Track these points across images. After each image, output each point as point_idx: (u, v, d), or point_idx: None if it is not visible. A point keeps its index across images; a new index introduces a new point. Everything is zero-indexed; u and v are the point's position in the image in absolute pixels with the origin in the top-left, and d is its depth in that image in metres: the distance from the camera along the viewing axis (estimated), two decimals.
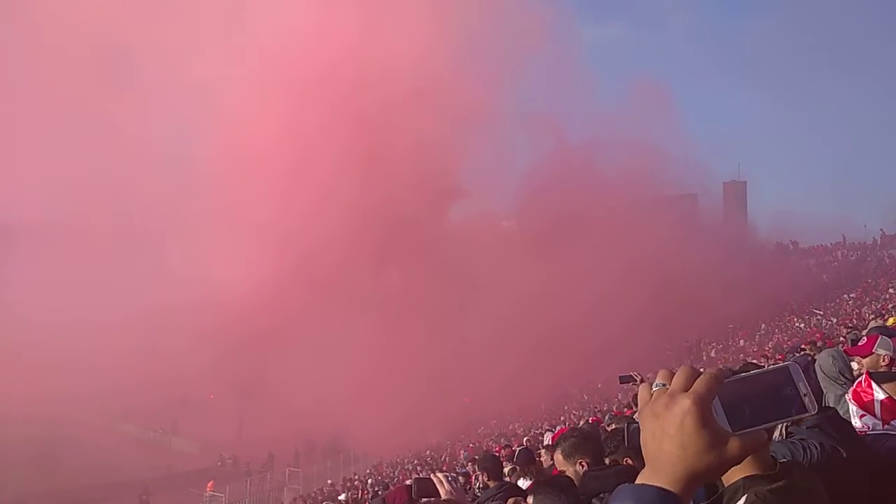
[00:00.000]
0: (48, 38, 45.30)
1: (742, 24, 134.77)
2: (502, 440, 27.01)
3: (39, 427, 37.16)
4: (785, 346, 25.26)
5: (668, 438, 1.02)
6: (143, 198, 45.19)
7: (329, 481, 29.38)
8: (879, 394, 3.28)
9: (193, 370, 38.35)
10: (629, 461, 3.95)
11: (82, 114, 45.99)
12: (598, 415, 17.27)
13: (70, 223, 44.89)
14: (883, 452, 2.96)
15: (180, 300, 39.15)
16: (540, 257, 42.85)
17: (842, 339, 12.75)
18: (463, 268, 42.85)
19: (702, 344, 40.52)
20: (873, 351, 4.54)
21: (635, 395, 7.02)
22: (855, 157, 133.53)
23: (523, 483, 5.85)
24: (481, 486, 5.99)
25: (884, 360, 4.51)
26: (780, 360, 13.47)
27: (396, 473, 27.71)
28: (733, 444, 1.03)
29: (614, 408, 20.01)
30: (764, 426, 1.08)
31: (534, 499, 3.18)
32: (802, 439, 2.66)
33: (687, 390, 1.04)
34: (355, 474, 30.61)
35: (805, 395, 1.07)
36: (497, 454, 9.71)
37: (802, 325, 33.93)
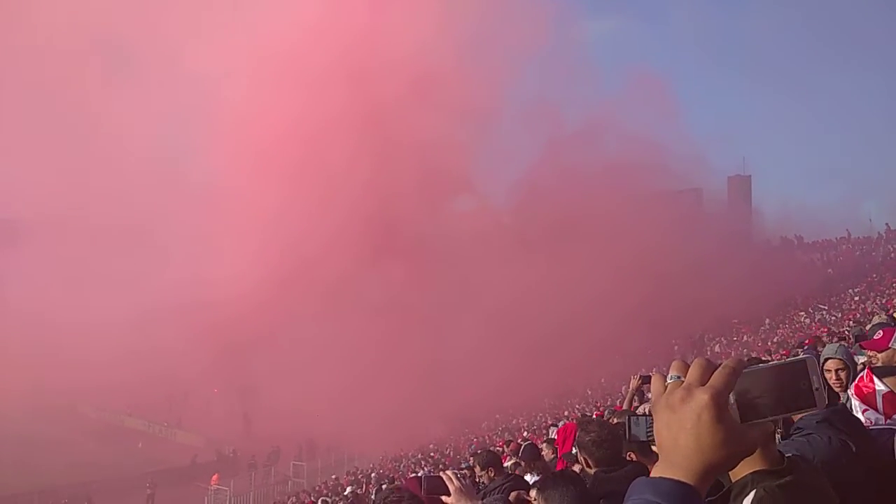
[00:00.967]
0: (53, 37, 45.35)
1: (747, 17, 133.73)
2: (506, 434, 27.06)
3: (39, 424, 37.44)
4: (790, 340, 25.25)
5: (683, 432, 1.02)
6: (144, 195, 45.12)
7: (334, 476, 29.47)
8: (881, 387, 3.29)
9: (193, 368, 38.36)
10: (632, 456, 3.97)
11: (81, 111, 45.98)
12: (601, 409, 17.30)
13: (70, 220, 44.90)
14: (885, 447, 2.97)
15: (179, 298, 39.11)
16: (543, 251, 42.68)
17: (847, 333, 12.76)
18: (463, 263, 42.72)
19: (706, 339, 40.49)
20: (890, 345, 4.46)
21: (633, 391, 7.02)
22: (860, 151, 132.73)
23: (529, 479, 5.86)
24: (483, 482, 5.96)
25: None
26: (784, 355, 13.46)
27: (401, 468, 27.79)
28: (747, 437, 1.04)
29: (617, 402, 20.02)
30: (773, 418, 1.09)
31: (541, 493, 3.19)
32: (811, 434, 2.66)
33: (703, 384, 1.05)
34: (357, 468, 30.69)
35: (817, 389, 1.07)
36: (496, 450, 9.71)
37: (808, 320, 33.88)
